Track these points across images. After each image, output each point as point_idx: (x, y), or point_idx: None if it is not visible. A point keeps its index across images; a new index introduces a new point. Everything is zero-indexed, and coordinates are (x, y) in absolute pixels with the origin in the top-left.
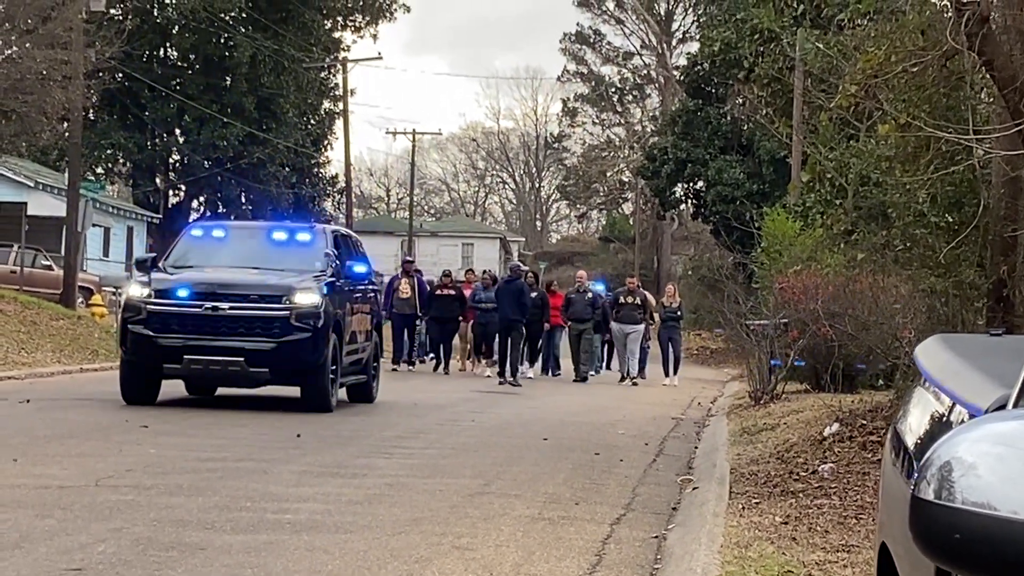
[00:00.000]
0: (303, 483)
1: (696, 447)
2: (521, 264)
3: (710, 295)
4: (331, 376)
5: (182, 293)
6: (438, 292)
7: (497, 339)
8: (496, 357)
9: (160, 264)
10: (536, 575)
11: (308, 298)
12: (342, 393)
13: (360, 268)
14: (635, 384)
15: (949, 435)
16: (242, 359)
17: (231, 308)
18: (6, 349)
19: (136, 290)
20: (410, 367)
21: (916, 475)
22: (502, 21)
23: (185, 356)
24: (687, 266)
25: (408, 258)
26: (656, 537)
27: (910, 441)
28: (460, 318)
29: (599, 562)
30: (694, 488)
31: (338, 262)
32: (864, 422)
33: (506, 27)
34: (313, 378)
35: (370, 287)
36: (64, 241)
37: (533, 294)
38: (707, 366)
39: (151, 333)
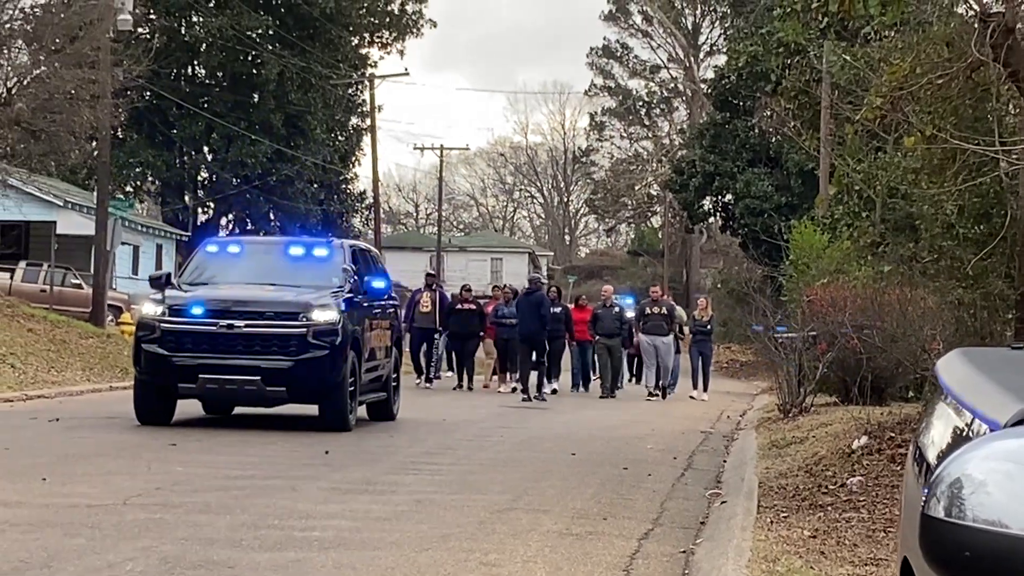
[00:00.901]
0: (331, 500)
1: (725, 461)
2: (540, 277)
3: (739, 308)
4: (350, 394)
5: (197, 311)
6: (458, 307)
7: (519, 353)
8: (519, 374)
9: (174, 281)
10: None
11: (325, 315)
12: (362, 411)
13: (379, 283)
14: (663, 397)
15: (958, 452)
16: (258, 378)
17: (247, 326)
18: (36, 368)
19: (150, 308)
20: (428, 384)
21: (926, 492)
22: (524, 35)
23: (200, 375)
24: (716, 279)
25: (430, 271)
26: (684, 552)
27: (931, 455)
28: (480, 334)
29: None
30: (722, 502)
31: (356, 277)
32: (893, 435)
33: (529, 41)
34: (331, 396)
35: (390, 302)
36: (93, 259)
37: (556, 309)
38: (737, 379)
39: (165, 352)
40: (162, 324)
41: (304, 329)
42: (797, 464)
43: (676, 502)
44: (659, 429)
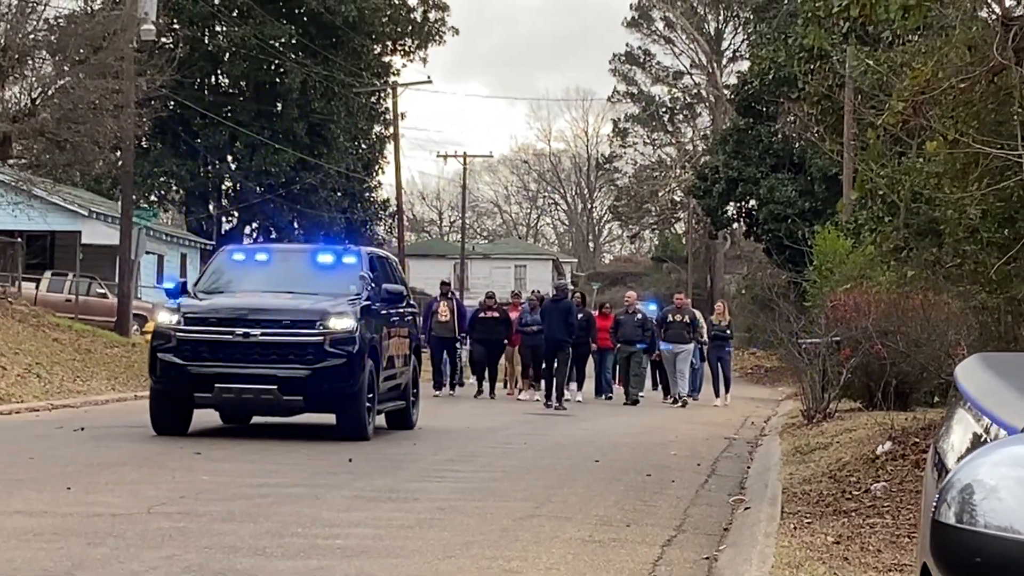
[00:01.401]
0: (354, 508)
1: (749, 467)
2: (567, 283)
3: (763, 314)
4: (368, 403)
5: (212, 319)
6: (482, 315)
7: (543, 361)
8: (543, 382)
9: (190, 289)
10: None
11: (343, 323)
12: (380, 420)
13: (397, 290)
14: (684, 405)
15: (969, 458)
16: (275, 387)
17: (263, 334)
18: (61, 377)
19: (165, 317)
20: (451, 392)
21: (937, 498)
22: (544, 43)
23: (216, 385)
24: (740, 285)
25: (444, 280)
26: (707, 558)
27: (950, 461)
28: (505, 341)
29: None
30: (746, 508)
31: (374, 285)
32: (917, 440)
33: (549, 48)
34: (349, 406)
35: (408, 310)
36: (118, 269)
37: (580, 315)
38: (761, 384)
39: (181, 361)
40: (178, 333)
41: (321, 337)
42: (821, 470)
43: (700, 508)
44: (683, 435)
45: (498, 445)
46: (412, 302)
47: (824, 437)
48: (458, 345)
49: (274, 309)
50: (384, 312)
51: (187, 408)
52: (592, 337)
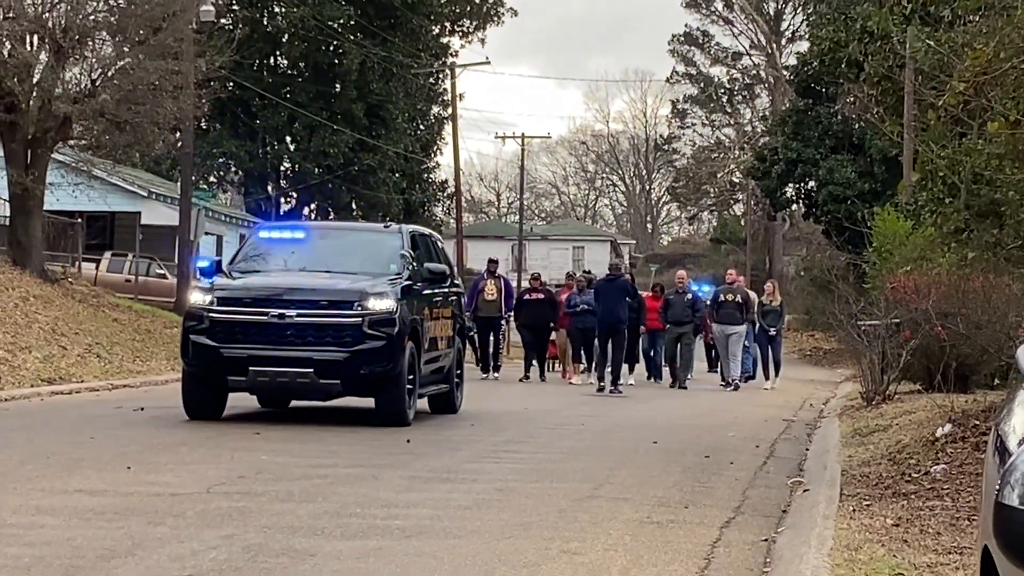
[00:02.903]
0: (412, 488)
1: (807, 449)
2: (621, 262)
3: (821, 296)
4: (408, 387)
5: (247, 300)
6: (527, 297)
7: (597, 343)
8: (595, 364)
9: (225, 269)
10: None
11: (382, 303)
12: (423, 404)
13: (440, 270)
14: (736, 389)
15: None
16: (311, 370)
17: (299, 315)
18: (121, 357)
19: (198, 297)
20: (495, 375)
21: (999, 481)
22: (601, 23)
23: (250, 368)
24: (799, 267)
25: (492, 258)
26: (765, 540)
27: (1012, 443)
28: (552, 324)
29: (707, 566)
30: (804, 490)
31: (415, 264)
32: (977, 423)
33: (606, 29)
34: (388, 389)
35: (453, 290)
36: (177, 249)
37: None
38: (820, 366)
39: (214, 343)
40: (211, 314)
41: (360, 319)
42: (880, 452)
43: (758, 490)
44: (741, 417)
45: (555, 427)
46: (457, 282)
47: (883, 419)
48: (503, 324)
49: (310, 289)
50: (426, 292)
51: (221, 392)
52: (642, 319)
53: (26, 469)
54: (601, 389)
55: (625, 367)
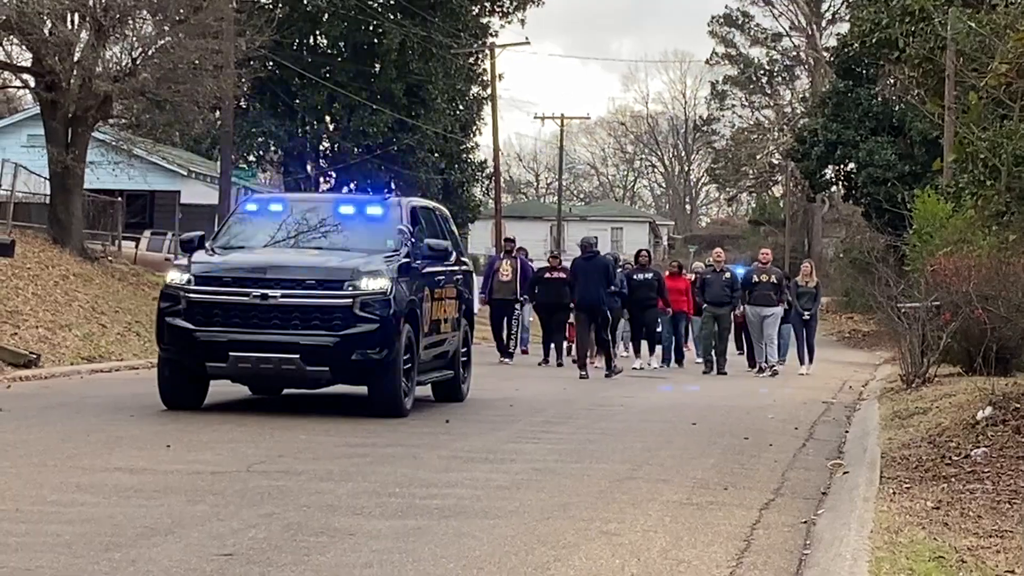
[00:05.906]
0: (451, 468)
1: (847, 431)
2: (593, 239)
3: (861, 278)
4: (405, 374)
5: (227, 279)
6: (545, 276)
7: (577, 325)
8: (575, 349)
9: (207, 245)
10: (684, 560)
11: (375, 282)
12: (427, 391)
13: (442, 246)
14: (774, 374)
15: None
16: (297, 356)
17: (284, 296)
18: None
19: (174, 275)
20: (508, 359)
21: None
22: (641, 4)
23: (231, 353)
24: (838, 249)
25: (508, 236)
26: (805, 522)
27: None
28: (571, 304)
29: (747, 548)
30: (844, 473)
31: (415, 240)
32: (1018, 406)
33: (646, 10)
34: (382, 377)
35: (459, 268)
36: (216, 228)
37: (648, 275)
38: (859, 349)
39: (191, 326)
40: (188, 294)
41: (350, 299)
42: (920, 435)
43: (797, 472)
44: (780, 400)
45: (594, 407)
46: (465, 260)
47: (923, 402)
48: (517, 308)
49: (296, 267)
50: (427, 271)
51: (200, 379)
52: (663, 298)
53: (66, 447)
54: (583, 376)
55: (644, 350)
